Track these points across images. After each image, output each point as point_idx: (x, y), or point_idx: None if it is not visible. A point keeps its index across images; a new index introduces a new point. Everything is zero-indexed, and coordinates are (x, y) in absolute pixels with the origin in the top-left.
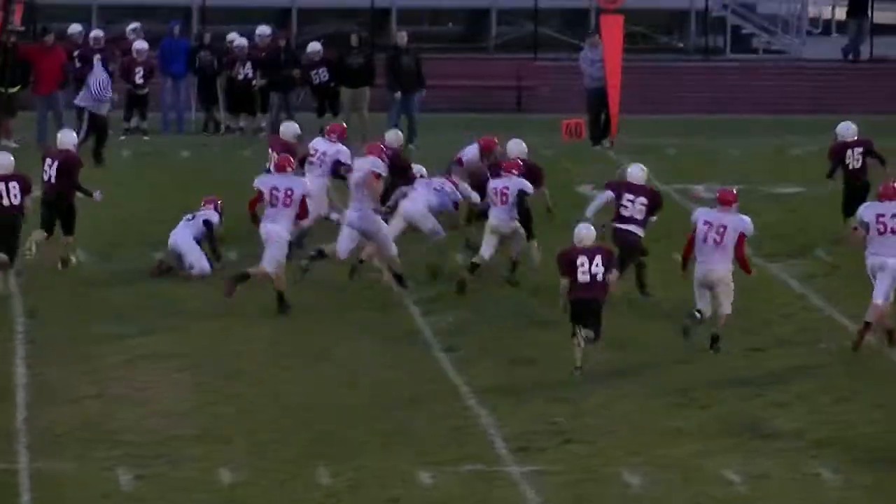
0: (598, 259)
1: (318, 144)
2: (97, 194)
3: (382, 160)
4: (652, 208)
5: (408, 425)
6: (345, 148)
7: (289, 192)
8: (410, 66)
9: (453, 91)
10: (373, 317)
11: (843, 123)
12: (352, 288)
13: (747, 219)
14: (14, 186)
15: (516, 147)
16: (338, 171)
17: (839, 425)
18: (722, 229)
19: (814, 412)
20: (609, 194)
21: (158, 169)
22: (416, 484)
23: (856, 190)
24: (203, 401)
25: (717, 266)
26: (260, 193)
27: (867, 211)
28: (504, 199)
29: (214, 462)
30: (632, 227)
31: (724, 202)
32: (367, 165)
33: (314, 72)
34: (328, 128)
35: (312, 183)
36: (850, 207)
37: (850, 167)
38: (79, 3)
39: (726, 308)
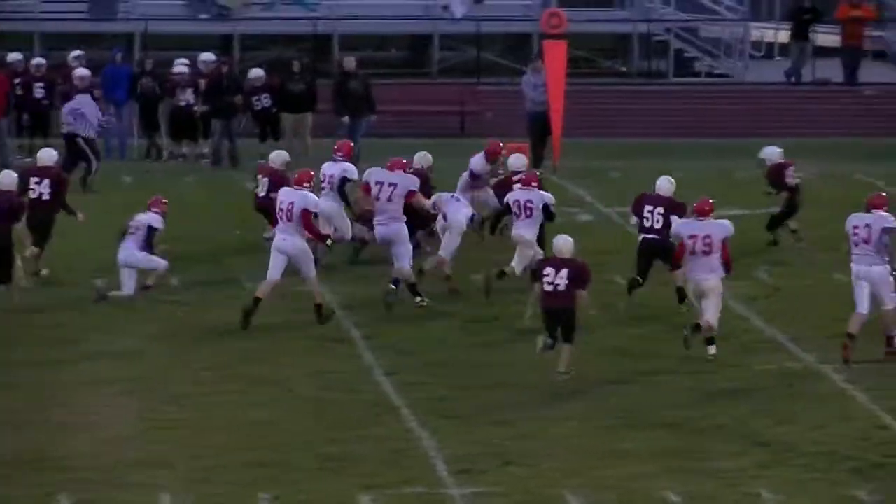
0: (563, 272)
1: (327, 169)
2: (81, 215)
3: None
4: (670, 215)
5: (349, 449)
6: (350, 165)
7: (290, 206)
8: (358, 90)
9: (397, 116)
10: (315, 341)
11: (767, 148)
12: (294, 312)
13: (727, 223)
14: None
15: (517, 161)
16: (342, 190)
17: (780, 446)
18: (708, 239)
19: (755, 433)
20: (634, 220)
21: (101, 195)
22: None
23: (795, 207)
24: (146, 426)
25: (709, 275)
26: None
27: (848, 223)
28: (529, 212)
29: (157, 487)
30: (656, 236)
31: (701, 213)
32: (405, 182)
33: (256, 98)
34: (335, 146)
35: (328, 205)
36: (779, 223)
37: (790, 185)
38: (21, 31)
39: (713, 318)
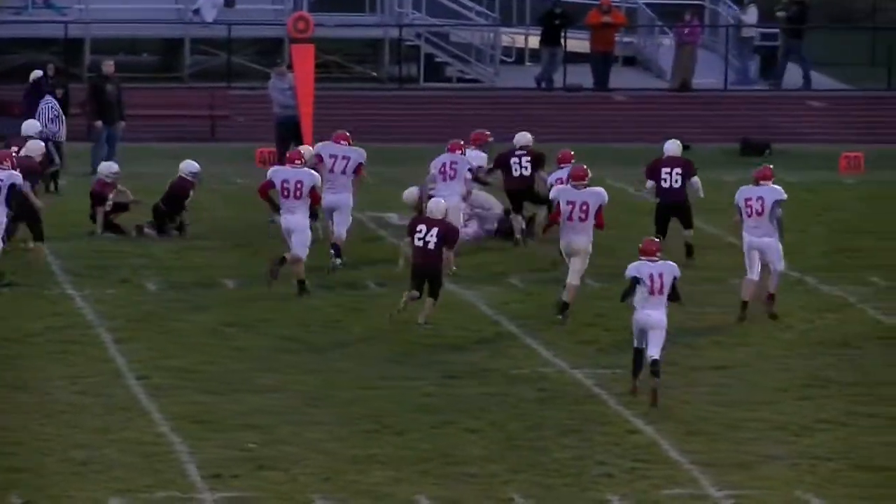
0: (434, 231)
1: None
2: None
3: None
4: (687, 174)
5: (101, 453)
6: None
7: (298, 185)
8: (114, 95)
9: (148, 120)
10: (65, 345)
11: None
12: (46, 316)
13: (602, 190)
14: None
15: (522, 138)
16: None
17: (532, 451)
18: (585, 206)
19: (507, 438)
20: (651, 184)
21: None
22: None
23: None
24: None
25: (580, 237)
26: (271, 182)
27: (739, 195)
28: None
29: None
30: (675, 197)
31: (577, 178)
32: (356, 156)
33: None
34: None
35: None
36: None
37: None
38: None
39: (576, 279)
